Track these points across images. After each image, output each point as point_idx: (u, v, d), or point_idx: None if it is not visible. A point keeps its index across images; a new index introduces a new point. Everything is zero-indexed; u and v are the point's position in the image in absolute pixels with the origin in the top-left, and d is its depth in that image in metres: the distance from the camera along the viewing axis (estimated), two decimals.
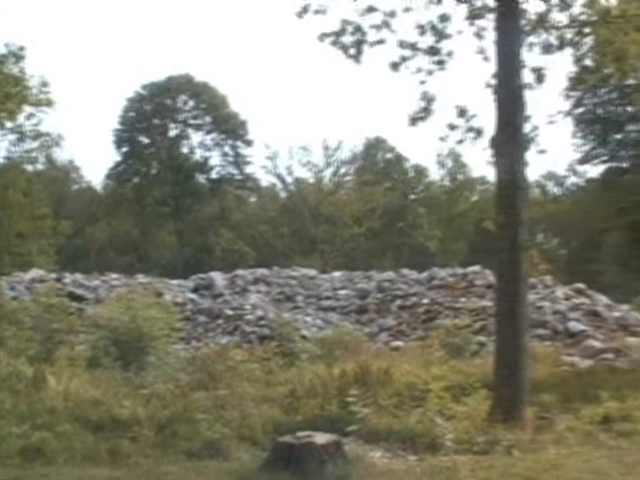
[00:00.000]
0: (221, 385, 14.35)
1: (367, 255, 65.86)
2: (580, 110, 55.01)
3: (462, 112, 14.55)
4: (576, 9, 14.87)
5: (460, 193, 75.30)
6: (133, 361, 16.74)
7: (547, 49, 15.00)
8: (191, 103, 73.23)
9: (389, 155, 76.45)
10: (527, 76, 14.29)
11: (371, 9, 14.82)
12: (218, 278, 29.87)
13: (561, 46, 15.10)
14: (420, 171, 76.65)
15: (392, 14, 14.83)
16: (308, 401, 13.74)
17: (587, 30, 15.51)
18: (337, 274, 31.22)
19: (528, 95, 13.97)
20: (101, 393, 13.65)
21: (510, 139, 13.30)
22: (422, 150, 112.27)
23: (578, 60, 17.92)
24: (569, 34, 15.25)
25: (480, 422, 12.04)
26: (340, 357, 17.96)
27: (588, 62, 16.99)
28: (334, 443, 10.26)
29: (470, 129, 14.50)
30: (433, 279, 27.42)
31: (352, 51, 15.00)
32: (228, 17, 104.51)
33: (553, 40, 15.05)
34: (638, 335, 20.75)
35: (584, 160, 57.83)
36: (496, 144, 13.63)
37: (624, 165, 56.24)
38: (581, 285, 25.49)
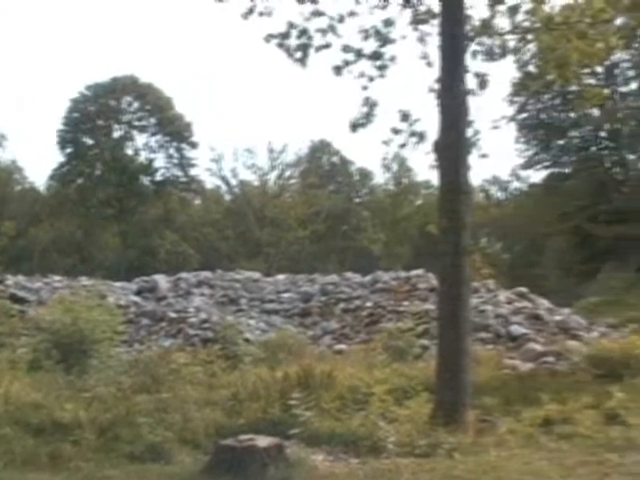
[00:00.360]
0: (164, 388, 14.23)
1: (311, 258, 65.93)
2: (524, 116, 55.75)
3: (405, 116, 14.63)
4: (520, 16, 15.05)
5: (405, 197, 75.67)
6: (75, 364, 16.54)
7: (491, 55, 15.15)
8: (136, 104, 72.73)
9: (334, 158, 76.64)
10: (471, 81, 14.44)
11: (317, 13, 14.86)
12: (162, 281, 29.65)
13: (504, 53, 15.25)
14: (365, 174, 76.96)
15: (339, 19, 14.91)
16: (251, 404, 13.71)
17: (530, 37, 15.65)
18: (281, 277, 31.14)
19: (472, 100, 14.13)
20: (42, 396, 13.48)
21: (453, 143, 13.41)
22: (367, 153, 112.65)
23: (522, 66, 18.11)
24: (512, 40, 15.40)
25: (422, 425, 12.08)
26: (283, 360, 17.92)
27: (532, 68, 17.13)
28: (276, 446, 10.27)
29: (413, 133, 14.59)
30: (376, 282, 27.48)
31: (298, 55, 15.03)
32: (173, 18, 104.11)
33: (496, 46, 15.20)
34: (578, 338, 20.99)
35: (527, 165, 58.64)
36: (439, 148, 13.72)
37: (566, 170, 57.04)
38: (523, 289, 25.72)
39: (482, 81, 14.82)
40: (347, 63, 15.00)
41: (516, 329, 21.42)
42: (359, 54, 14.95)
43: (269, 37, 15.01)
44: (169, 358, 16.28)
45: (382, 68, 14.98)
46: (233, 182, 73.67)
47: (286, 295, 27.65)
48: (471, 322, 13.98)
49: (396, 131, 14.68)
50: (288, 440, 11.31)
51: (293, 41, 14.95)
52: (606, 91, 50.49)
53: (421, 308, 23.29)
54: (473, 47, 14.75)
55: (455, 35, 13.75)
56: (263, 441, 10.21)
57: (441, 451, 11.00)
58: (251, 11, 14.91)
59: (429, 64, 14.68)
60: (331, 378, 14.63)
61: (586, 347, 18.69)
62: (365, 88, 14.99)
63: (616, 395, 13.24)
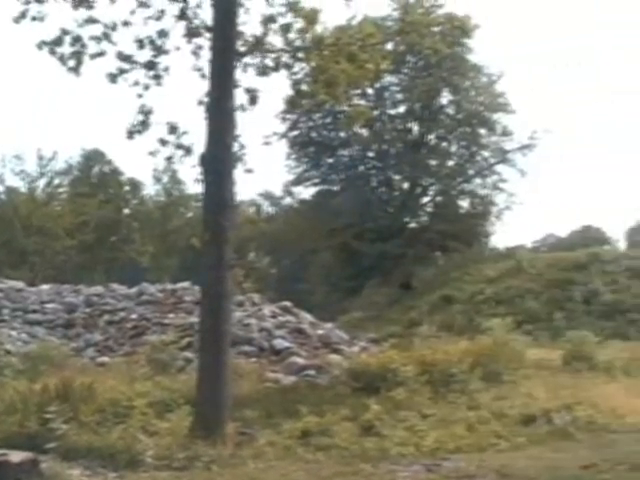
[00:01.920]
0: None
1: (78, 268, 64.26)
2: (295, 133, 56.65)
3: (173, 129, 14.57)
4: (292, 34, 15.32)
5: (175, 209, 75.18)
6: None
7: (262, 71, 15.33)
8: None
9: (106, 168, 75.13)
10: (242, 97, 14.56)
11: (91, 20, 14.55)
12: None
13: (276, 68, 15.45)
14: (135, 185, 75.82)
15: (112, 27, 14.67)
16: (7, 418, 13.23)
17: (302, 55, 15.94)
18: (45, 287, 30.13)
19: (243, 115, 14.26)
20: None
21: (219, 157, 13.47)
22: (140, 164, 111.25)
23: (295, 84, 18.38)
24: (285, 58, 15.64)
25: (182, 438, 12.03)
26: (45, 372, 17.35)
27: (304, 87, 17.44)
28: (30, 461, 10.01)
29: (179, 146, 14.55)
30: (142, 294, 27.09)
31: (71, 63, 14.65)
32: None
33: (269, 63, 15.40)
34: (340, 352, 21.48)
35: (297, 181, 59.49)
36: (205, 162, 13.72)
37: (335, 188, 58.34)
38: (288, 303, 26.06)
39: (253, 97, 14.98)
40: (122, 71, 14.79)
41: (279, 343, 21.63)
42: (132, 62, 14.77)
43: (42, 44, 14.55)
44: None
45: (157, 77, 14.88)
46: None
47: (50, 306, 26.75)
48: (232, 335, 14.05)
49: (163, 142, 14.59)
50: (45, 454, 10.98)
51: (67, 48, 14.57)
52: (375, 112, 52.48)
53: (186, 321, 23.10)
54: (245, 61, 14.89)
55: (225, 50, 13.84)
56: (17, 456, 9.92)
57: (199, 464, 10.98)
58: (23, 15, 14.40)
59: (203, 76, 14.65)
60: (91, 391, 14.28)
61: (347, 361, 19.14)
62: (140, 96, 14.84)
63: (372, 407, 13.67)
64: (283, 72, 15.68)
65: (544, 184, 63.72)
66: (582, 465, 10.59)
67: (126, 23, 14.75)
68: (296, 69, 16.13)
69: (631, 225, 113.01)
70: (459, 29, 35.04)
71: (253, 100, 14.97)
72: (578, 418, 13.88)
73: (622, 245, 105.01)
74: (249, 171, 14.53)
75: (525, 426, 13.58)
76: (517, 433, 13.02)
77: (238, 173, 14.02)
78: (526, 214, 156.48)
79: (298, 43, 15.57)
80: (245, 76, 14.92)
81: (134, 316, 24.83)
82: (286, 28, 15.28)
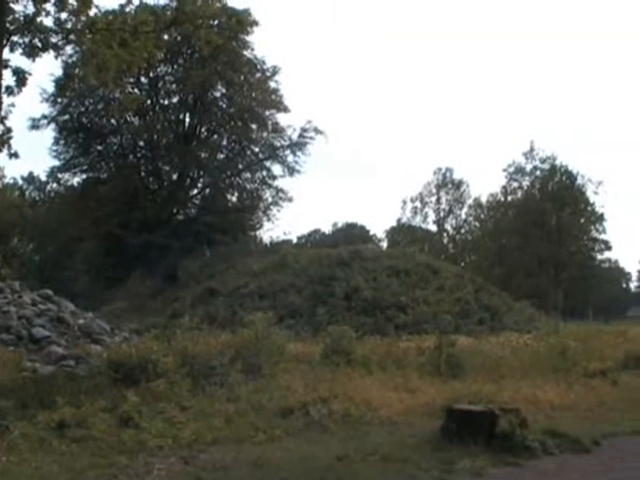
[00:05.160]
0: None
1: None
2: (65, 117, 55.10)
3: None
4: (65, 15, 14.96)
5: None
6: None
7: (31, 51, 14.86)
8: None
9: None
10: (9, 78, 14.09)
11: None
12: None
13: (45, 49, 15.03)
14: None
15: None
16: None
17: (74, 38, 15.59)
18: None
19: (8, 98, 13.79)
20: None
21: None
22: None
23: (67, 67, 17.97)
24: (55, 39, 15.25)
25: None
26: None
27: (76, 70, 17.08)
28: None
29: None
30: None
31: None
32: None
33: (38, 43, 14.96)
34: (101, 342, 21.17)
35: (65, 168, 57.86)
36: None
37: (103, 176, 57.33)
38: (49, 291, 25.39)
39: (21, 78, 14.51)
40: None
41: (38, 331, 21.06)
42: None
43: None
44: None
45: None
46: None
47: None
48: None
49: None
50: None
51: None
52: (148, 102, 51.94)
53: None
54: (14, 39, 14.41)
55: None
56: None
57: None
58: None
59: None
60: None
61: (107, 351, 18.85)
62: None
63: (131, 399, 13.55)
64: (54, 54, 15.32)
65: (312, 181, 65.36)
66: (336, 456, 10.94)
67: None
68: (69, 52, 15.80)
69: (392, 225, 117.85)
70: (236, 23, 35.11)
71: (22, 82, 14.51)
72: (334, 411, 14.30)
73: (384, 244, 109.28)
74: (14, 155, 14.08)
75: (283, 418, 13.84)
76: (274, 425, 13.23)
77: (2, 157, 13.58)
78: (294, 210, 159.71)
79: (70, 25, 15.20)
80: (13, 56, 14.44)
81: None
82: (59, 6, 14.87)
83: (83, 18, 14.95)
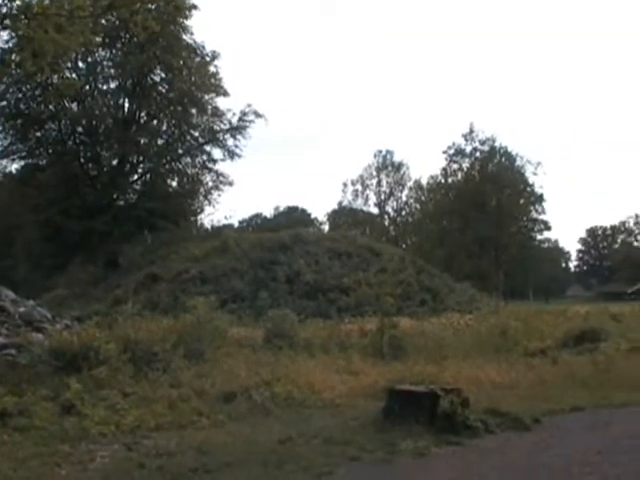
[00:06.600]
0: None
1: None
2: (2, 104, 54.36)
3: None
4: None
5: None
6: None
7: None
8: None
9: None
10: None
11: None
12: None
13: None
14: None
15: None
16: None
17: (8, 23, 15.43)
18: None
19: None
20: None
21: None
22: None
23: (3, 53, 17.76)
24: None
25: None
26: None
27: (13, 56, 16.89)
28: None
29: None
30: None
31: None
32: None
33: None
34: (42, 330, 20.96)
35: (3, 155, 57.08)
36: None
37: (42, 162, 56.69)
38: None
39: None
40: None
41: None
42: None
43: None
44: None
45: None
46: None
47: None
48: None
49: None
50: None
51: None
52: (87, 87, 51.44)
53: None
54: None
55: None
56: None
57: None
58: None
59: None
60: None
61: (48, 339, 18.70)
62: None
63: (73, 386, 13.49)
64: None
65: (253, 165, 65.41)
66: (278, 439, 11.02)
67: None
68: (4, 37, 15.63)
69: (333, 208, 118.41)
70: (174, 8, 34.93)
71: None
72: (277, 394, 14.40)
73: (326, 227, 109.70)
74: None
75: (226, 403, 13.88)
76: (217, 410, 13.28)
77: None
78: (235, 194, 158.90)
79: (5, 10, 15.03)
80: None
81: None
82: None
83: (18, 3, 14.82)
